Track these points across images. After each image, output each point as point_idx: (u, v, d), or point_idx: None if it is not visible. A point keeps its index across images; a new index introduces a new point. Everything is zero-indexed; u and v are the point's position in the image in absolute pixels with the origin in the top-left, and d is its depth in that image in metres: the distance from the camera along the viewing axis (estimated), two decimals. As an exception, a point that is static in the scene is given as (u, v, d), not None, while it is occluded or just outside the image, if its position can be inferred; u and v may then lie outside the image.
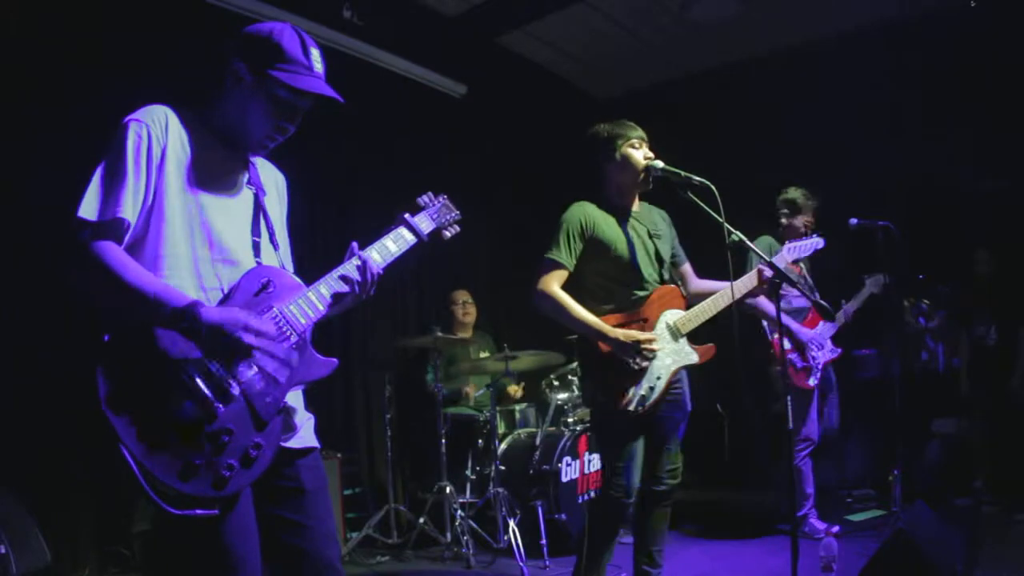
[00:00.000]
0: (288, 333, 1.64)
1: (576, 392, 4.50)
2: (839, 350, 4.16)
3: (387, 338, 5.01)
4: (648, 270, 2.79)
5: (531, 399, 4.96)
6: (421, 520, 4.17)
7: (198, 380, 1.48)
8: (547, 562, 3.85)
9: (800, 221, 4.18)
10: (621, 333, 2.60)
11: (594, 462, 4.34)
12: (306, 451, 1.77)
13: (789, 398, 2.53)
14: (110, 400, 1.41)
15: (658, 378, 2.65)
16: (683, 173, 2.65)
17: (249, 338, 1.51)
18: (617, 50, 5.81)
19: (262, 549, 1.69)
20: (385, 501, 4.42)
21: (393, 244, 1.90)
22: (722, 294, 2.77)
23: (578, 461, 4.27)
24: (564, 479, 4.14)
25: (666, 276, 2.86)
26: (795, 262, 4.21)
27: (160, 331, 1.49)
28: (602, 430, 2.84)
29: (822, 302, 4.00)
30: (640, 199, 2.92)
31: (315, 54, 1.72)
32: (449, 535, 4.17)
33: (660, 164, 2.74)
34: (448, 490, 4.15)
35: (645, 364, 2.61)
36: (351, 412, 4.91)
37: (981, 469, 4.69)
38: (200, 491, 1.45)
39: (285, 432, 1.69)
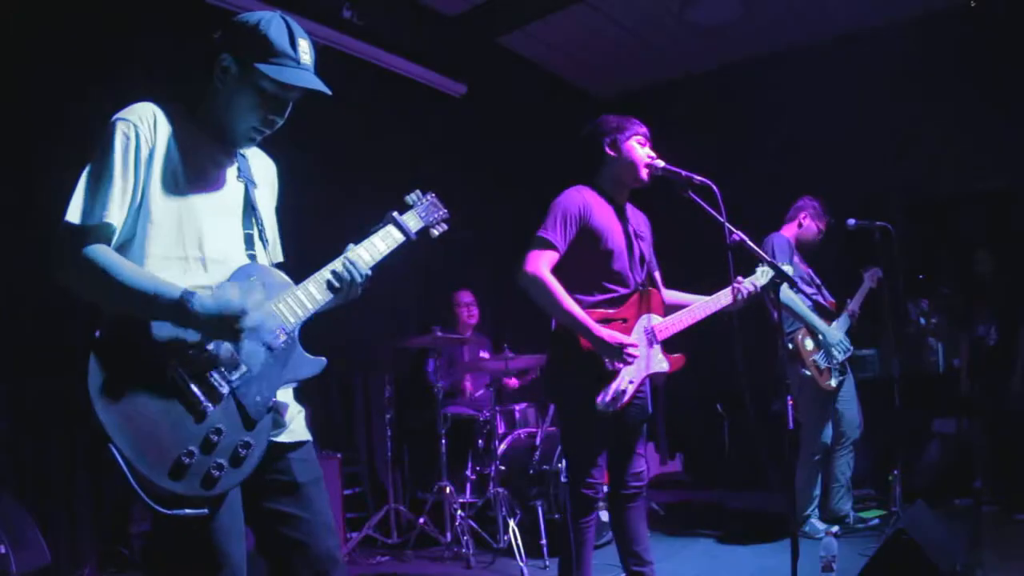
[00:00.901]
0: (277, 332, 1.63)
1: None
2: (851, 349, 4.15)
3: (387, 338, 5.01)
4: (633, 269, 2.76)
5: (531, 399, 4.97)
6: (421, 520, 4.17)
7: (188, 380, 1.48)
8: (547, 562, 3.85)
9: (816, 227, 4.20)
10: (607, 334, 2.53)
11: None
12: (297, 444, 1.76)
13: (789, 398, 2.52)
14: (99, 398, 1.41)
15: (630, 382, 2.62)
16: (684, 172, 2.65)
17: (246, 321, 1.51)
18: (617, 50, 5.81)
19: (265, 546, 1.70)
20: (385, 501, 4.42)
21: (382, 243, 1.88)
22: (702, 304, 2.77)
23: (578, 461, 4.26)
24: (564, 479, 4.13)
25: (646, 277, 2.82)
26: (804, 262, 4.22)
27: (152, 328, 1.49)
28: (571, 428, 2.75)
29: (822, 302, 4.03)
30: (631, 199, 2.90)
31: (303, 45, 1.68)
32: (449, 535, 4.17)
33: (661, 163, 2.74)
34: (448, 490, 4.15)
35: (620, 367, 2.58)
36: (351, 412, 4.91)
37: (981, 469, 4.69)
38: (190, 491, 1.45)
39: (275, 428, 1.68)
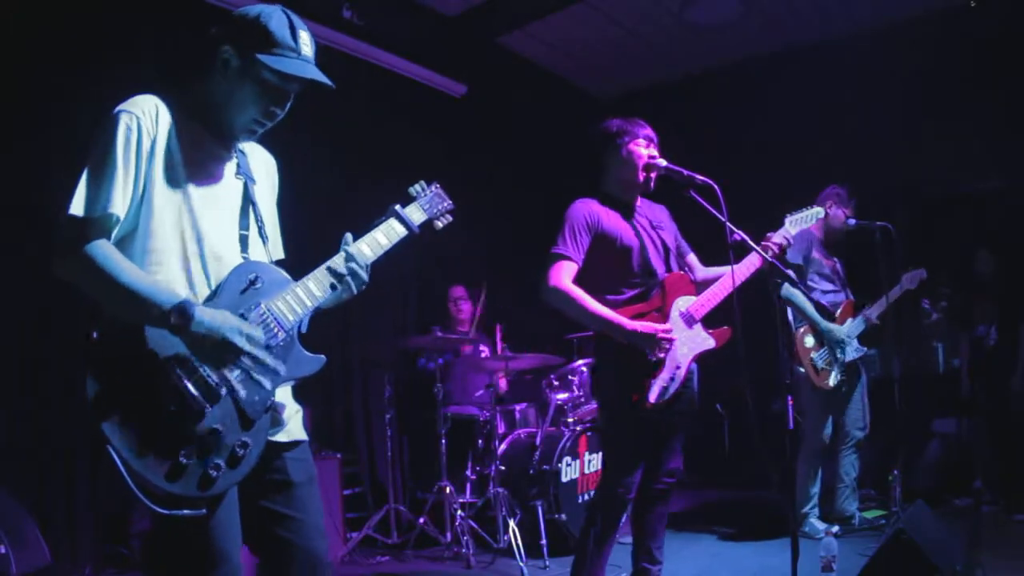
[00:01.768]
0: (276, 331, 1.62)
1: (576, 392, 4.50)
2: (864, 349, 4.13)
3: (387, 338, 5.01)
4: (655, 260, 2.79)
5: (531, 399, 4.96)
6: (421, 520, 4.17)
7: (185, 380, 1.47)
8: (547, 562, 3.85)
9: (843, 213, 4.16)
10: (639, 325, 2.58)
11: (594, 462, 4.34)
12: (293, 444, 1.75)
13: (790, 397, 2.52)
14: (97, 399, 1.40)
15: (677, 367, 2.66)
16: (686, 172, 2.65)
17: (241, 342, 1.50)
18: (617, 50, 5.81)
19: (254, 541, 1.70)
20: (385, 501, 4.42)
21: (384, 237, 1.85)
22: (728, 276, 2.75)
23: (578, 461, 4.27)
24: (564, 479, 4.14)
25: (672, 265, 2.86)
26: (828, 255, 4.21)
27: (149, 329, 1.48)
28: (614, 427, 2.78)
29: (821, 302, 4.02)
30: (641, 196, 2.92)
31: (304, 37, 1.68)
32: (449, 535, 4.16)
33: (664, 164, 2.75)
34: (448, 490, 4.15)
35: (663, 355, 2.60)
36: (351, 412, 4.91)
37: (981, 469, 4.69)
38: (187, 491, 1.45)
39: (273, 427, 1.67)
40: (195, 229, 1.61)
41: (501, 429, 4.56)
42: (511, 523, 3.87)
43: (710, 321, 2.79)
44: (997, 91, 4.89)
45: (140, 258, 1.56)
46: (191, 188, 1.63)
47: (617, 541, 2.84)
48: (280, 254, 1.90)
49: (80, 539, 3.47)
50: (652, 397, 2.59)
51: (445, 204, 2.04)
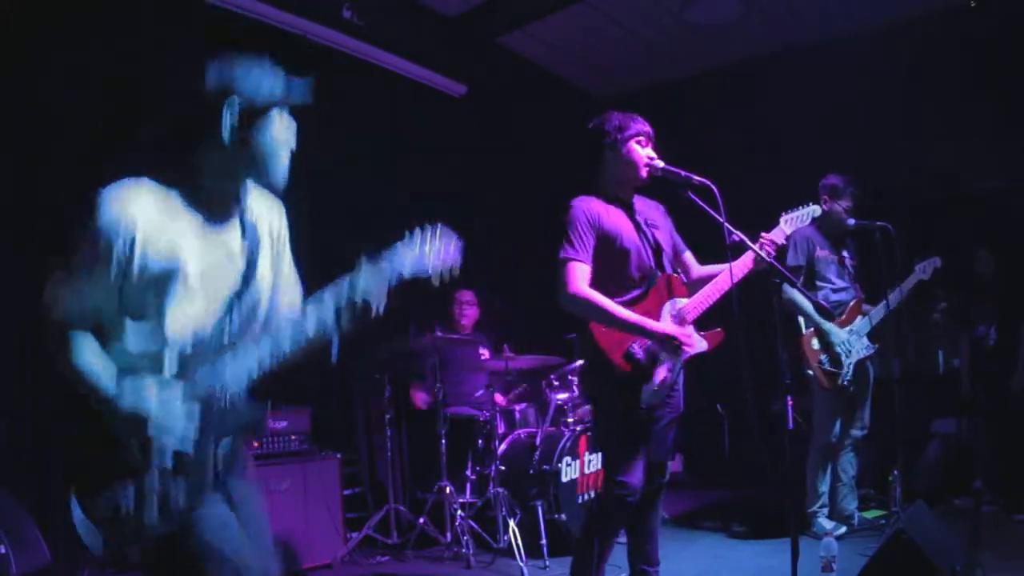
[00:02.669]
0: (216, 397, 1.68)
1: (576, 392, 4.49)
2: (875, 347, 4.12)
3: (387, 338, 5.00)
4: (650, 260, 2.77)
5: (531, 399, 4.96)
6: (421, 520, 4.17)
7: (132, 448, 1.60)
8: (547, 562, 3.85)
9: (841, 206, 4.13)
10: (667, 328, 2.58)
11: (594, 462, 4.34)
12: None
13: (790, 397, 2.52)
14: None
15: (670, 369, 2.64)
16: (683, 172, 2.65)
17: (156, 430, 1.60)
18: (617, 50, 5.81)
19: None
20: (385, 501, 4.42)
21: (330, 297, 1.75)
22: (723, 276, 2.75)
23: (578, 461, 4.27)
24: (564, 479, 4.14)
25: (666, 265, 2.83)
26: (834, 250, 4.20)
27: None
28: (611, 428, 2.75)
29: (821, 303, 4.01)
30: (637, 193, 2.91)
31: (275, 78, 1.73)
32: (449, 535, 4.17)
33: (661, 164, 2.74)
34: (448, 490, 4.15)
35: (672, 358, 2.60)
36: (351, 412, 4.91)
37: (981, 469, 4.69)
38: (125, 535, 1.64)
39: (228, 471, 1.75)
40: (164, 305, 1.65)
41: (501, 429, 4.56)
42: (511, 523, 3.87)
43: (707, 321, 2.79)
44: (997, 91, 4.89)
45: (124, 346, 1.66)
46: (171, 268, 1.65)
47: (617, 542, 2.85)
48: (291, 299, 1.92)
49: (80, 539, 3.46)
50: (646, 392, 2.58)
51: (438, 257, 1.95)
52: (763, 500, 4.95)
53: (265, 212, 1.87)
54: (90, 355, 1.62)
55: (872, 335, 4.13)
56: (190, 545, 1.60)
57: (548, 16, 5.27)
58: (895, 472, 4.05)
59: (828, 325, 4.03)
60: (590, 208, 2.74)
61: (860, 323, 4.10)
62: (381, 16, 4.84)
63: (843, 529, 4.05)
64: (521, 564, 3.66)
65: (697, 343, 2.75)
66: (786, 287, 4.00)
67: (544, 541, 3.90)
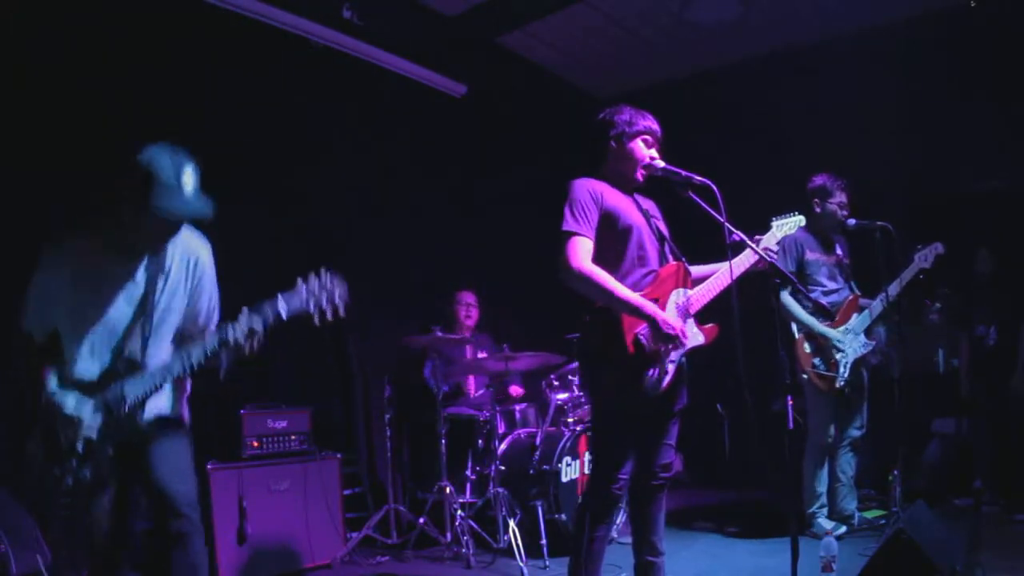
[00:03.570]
0: (118, 406, 2.22)
1: (576, 392, 4.49)
2: (872, 343, 4.11)
3: (387, 338, 5.00)
4: (653, 246, 2.75)
5: (531, 399, 4.96)
6: (421, 520, 4.17)
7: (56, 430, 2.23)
8: (547, 562, 3.85)
9: (833, 204, 4.12)
10: (668, 319, 2.52)
11: (594, 462, 4.33)
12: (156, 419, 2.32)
13: (790, 397, 2.52)
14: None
15: (671, 361, 2.61)
16: (684, 172, 2.65)
17: (66, 418, 2.21)
18: (617, 50, 5.81)
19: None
20: (385, 501, 4.42)
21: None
22: (726, 271, 2.72)
23: (578, 461, 4.27)
24: (564, 479, 4.14)
25: (668, 255, 2.81)
26: (826, 252, 4.20)
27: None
28: (605, 421, 2.72)
29: (821, 302, 4.01)
30: (636, 192, 2.91)
31: (188, 176, 2.13)
32: (449, 535, 4.17)
33: (661, 164, 2.73)
34: (448, 490, 4.15)
35: (661, 348, 2.56)
36: (351, 412, 4.91)
37: (981, 469, 4.69)
38: (52, 491, 2.27)
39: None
40: (86, 332, 2.21)
41: (501, 429, 4.56)
42: (511, 523, 3.87)
43: (708, 319, 2.78)
44: (997, 91, 4.89)
45: (63, 343, 2.25)
46: (91, 301, 2.22)
47: (617, 541, 2.84)
48: (209, 324, 2.44)
49: (80, 539, 3.46)
50: (648, 380, 2.55)
51: (326, 296, 2.21)
52: (763, 500, 4.96)
53: (190, 249, 2.36)
54: (32, 347, 2.27)
55: (870, 332, 4.12)
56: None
57: (548, 16, 5.27)
58: (895, 472, 4.05)
59: (821, 328, 4.03)
60: (592, 186, 2.70)
61: (857, 321, 4.10)
62: (381, 16, 4.84)
63: (843, 529, 4.05)
64: (521, 564, 3.66)
65: (693, 337, 2.72)
66: (783, 294, 4.02)
67: (544, 541, 3.90)
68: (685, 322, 2.69)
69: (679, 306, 2.69)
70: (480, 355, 4.91)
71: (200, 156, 2.19)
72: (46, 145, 3.38)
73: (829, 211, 4.12)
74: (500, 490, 4.10)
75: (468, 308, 5.11)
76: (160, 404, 2.35)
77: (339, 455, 4.24)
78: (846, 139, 5.11)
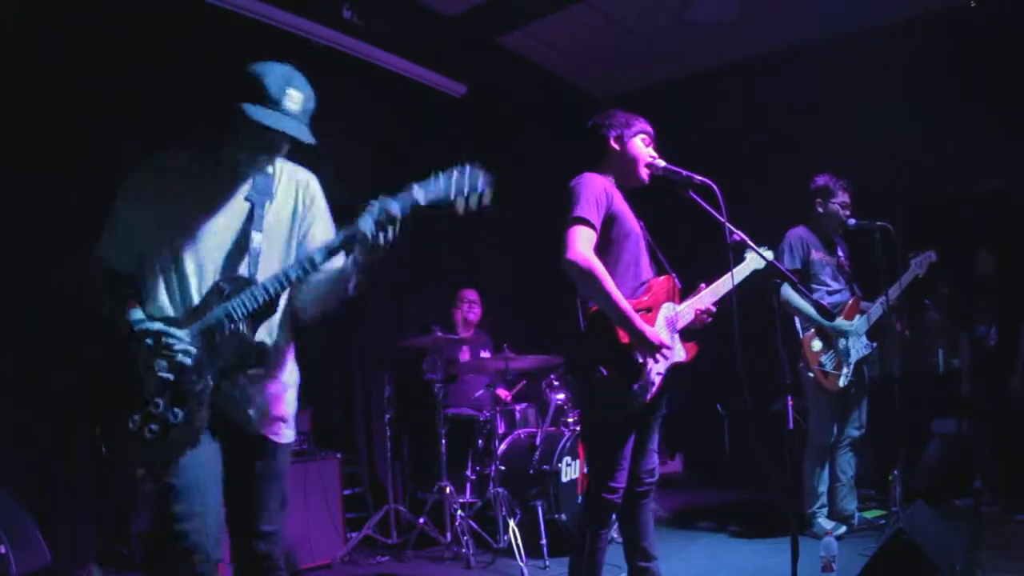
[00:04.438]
0: (221, 327, 1.92)
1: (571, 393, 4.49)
2: (873, 345, 4.12)
3: (387, 338, 5.00)
4: (647, 256, 2.76)
5: (531, 399, 4.96)
6: (421, 520, 4.17)
7: (137, 369, 1.88)
8: (547, 562, 3.85)
9: (836, 205, 4.12)
10: (651, 332, 2.49)
11: (594, 462, 4.33)
12: (267, 441, 2.03)
13: (789, 397, 2.52)
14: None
15: (658, 374, 2.62)
16: (684, 172, 2.65)
17: (156, 341, 1.86)
18: (617, 50, 5.81)
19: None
20: (385, 501, 4.42)
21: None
22: (713, 289, 2.76)
23: (578, 461, 4.27)
24: (564, 479, 4.14)
25: (652, 265, 2.81)
26: (829, 252, 4.19)
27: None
28: (599, 429, 2.70)
29: (822, 303, 4.01)
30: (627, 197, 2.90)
31: (293, 94, 1.92)
32: (449, 535, 4.17)
33: (662, 163, 2.74)
34: (448, 490, 4.15)
35: (649, 362, 2.57)
36: (351, 412, 4.91)
37: (981, 469, 4.69)
38: (131, 450, 1.88)
39: (254, 419, 2.00)
40: (181, 255, 1.95)
41: (501, 429, 4.56)
42: (511, 523, 3.87)
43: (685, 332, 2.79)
44: (997, 91, 4.89)
45: (147, 275, 1.97)
46: (185, 225, 1.96)
47: (616, 541, 2.84)
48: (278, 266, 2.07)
49: (80, 539, 3.47)
50: (631, 401, 2.55)
51: (468, 183, 2.03)
52: (763, 500, 4.95)
53: (290, 182, 2.14)
54: (105, 275, 2.00)
55: (871, 333, 4.12)
56: (170, 481, 1.86)
57: (548, 16, 5.27)
58: (895, 472, 4.05)
59: (832, 323, 4.01)
60: (605, 183, 2.68)
61: (858, 322, 4.10)
62: (381, 16, 4.84)
63: (843, 529, 4.05)
64: (521, 564, 3.66)
65: (676, 353, 2.72)
66: (784, 288, 3.99)
67: (544, 541, 3.90)
68: (672, 337, 2.70)
69: (668, 319, 2.70)
70: (483, 354, 4.92)
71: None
72: (45, 145, 3.39)
73: (831, 211, 4.13)
74: (500, 490, 4.10)
75: (471, 305, 5.11)
76: (277, 390, 2.05)
77: (339, 455, 4.24)
78: (846, 139, 5.10)
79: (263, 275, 1.96)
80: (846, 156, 4.60)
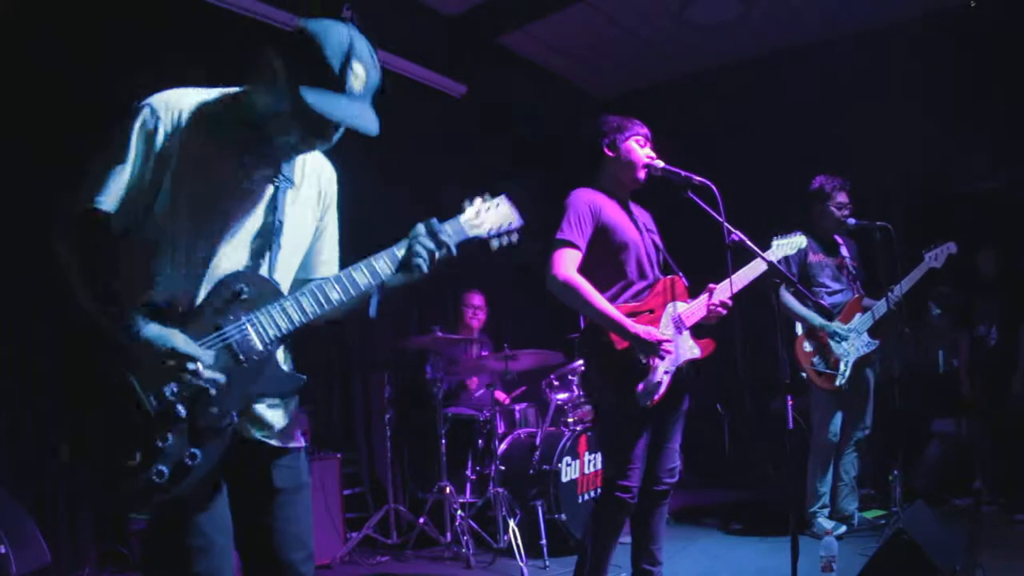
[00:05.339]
0: (247, 347, 1.54)
1: (576, 392, 4.49)
2: (876, 343, 4.10)
3: (387, 338, 5.00)
4: (650, 259, 2.78)
5: (531, 399, 4.96)
6: (421, 520, 4.17)
7: (140, 388, 1.46)
8: (547, 562, 3.85)
9: (834, 204, 4.13)
10: (642, 330, 2.53)
11: (594, 462, 4.34)
12: (284, 451, 1.71)
13: (789, 397, 2.52)
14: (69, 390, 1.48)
15: (665, 373, 2.63)
16: (683, 172, 2.65)
17: (171, 363, 1.44)
18: (617, 50, 5.81)
19: (236, 539, 1.67)
20: (385, 501, 4.42)
21: (385, 264, 1.72)
22: (723, 286, 2.75)
23: (578, 461, 4.27)
24: (564, 479, 4.14)
25: (661, 268, 2.83)
26: (829, 253, 4.20)
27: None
28: (608, 430, 2.74)
29: (821, 303, 4.01)
30: (632, 198, 2.92)
31: (357, 69, 1.59)
32: (449, 535, 4.17)
33: (661, 164, 2.74)
34: (448, 490, 4.15)
35: (655, 362, 2.58)
36: (351, 412, 4.91)
37: (981, 469, 4.69)
38: (128, 494, 1.47)
39: (261, 430, 1.65)
40: (192, 235, 1.55)
41: (501, 429, 4.56)
42: (511, 523, 3.87)
43: (699, 330, 2.79)
44: (997, 91, 4.89)
45: (137, 252, 1.54)
46: (203, 193, 1.56)
47: (619, 541, 2.84)
48: (328, 269, 1.84)
49: (80, 539, 3.47)
50: (640, 400, 2.57)
51: (505, 224, 1.90)
52: (763, 500, 4.96)
53: (324, 171, 1.82)
54: (97, 241, 1.48)
55: (874, 331, 4.12)
56: (189, 542, 1.54)
57: (548, 16, 5.27)
58: (895, 472, 4.05)
59: (823, 321, 4.02)
60: (592, 198, 2.73)
61: (860, 320, 4.09)
62: (381, 16, 4.83)
63: (843, 529, 4.05)
64: (521, 564, 3.66)
65: (689, 350, 2.74)
66: (782, 291, 4.00)
67: (544, 541, 3.90)
68: (680, 334, 2.71)
69: (673, 319, 2.72)
70: (483, 354, 4.92)
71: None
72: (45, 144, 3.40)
73: (829, 212, 4.13)
74: (500, 490, 4.10)
75: (475, 311, 5.11)
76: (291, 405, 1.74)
77: (339, 455, 4.24)
78: (846, 139, 5.11)
79: (280, 274, 1.65)
80: (846, 156, 4.60)
